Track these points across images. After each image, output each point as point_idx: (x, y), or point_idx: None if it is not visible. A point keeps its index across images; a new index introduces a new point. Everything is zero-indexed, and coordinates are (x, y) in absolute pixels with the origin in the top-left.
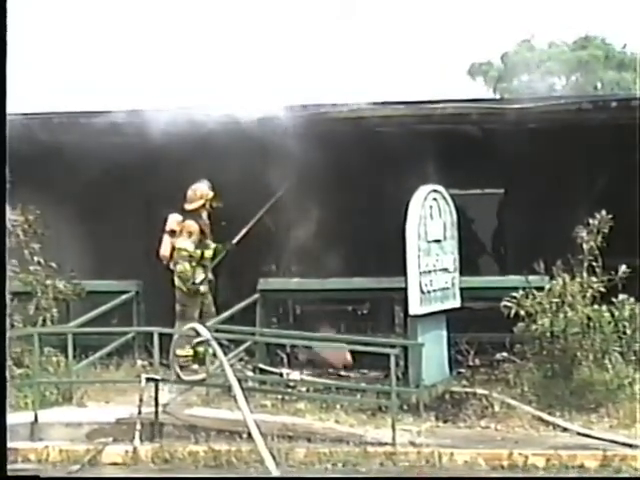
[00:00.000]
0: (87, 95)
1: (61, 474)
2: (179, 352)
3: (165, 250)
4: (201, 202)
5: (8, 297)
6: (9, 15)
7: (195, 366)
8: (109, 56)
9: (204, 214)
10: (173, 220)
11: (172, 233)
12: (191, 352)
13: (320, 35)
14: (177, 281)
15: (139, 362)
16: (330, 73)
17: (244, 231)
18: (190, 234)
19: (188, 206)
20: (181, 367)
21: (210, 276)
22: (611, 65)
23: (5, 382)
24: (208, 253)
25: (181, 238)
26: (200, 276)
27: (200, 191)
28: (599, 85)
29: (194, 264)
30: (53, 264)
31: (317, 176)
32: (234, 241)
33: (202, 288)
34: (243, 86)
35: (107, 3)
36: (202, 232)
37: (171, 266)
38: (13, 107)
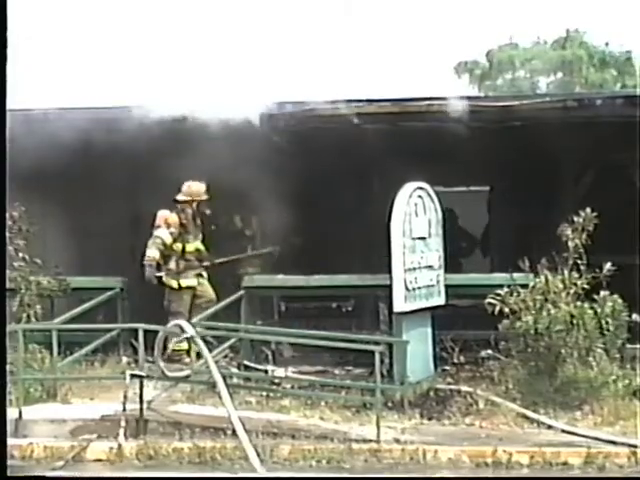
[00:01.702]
0: (73, 90)
1: (46, 471)
2: (173, 346)
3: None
4: (189, 198)
5: None
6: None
7: (188, 359)
8: (99, 52)
9: (189, 211)
10: (160, 216)
11: (157, 226)
12: (185, 346)
13: (305, 33)
14: (164, 275)
15: (124, 359)
16: (315, 71)
17: (226, 259)
18: (169, 225)
19: (178, 197)
20: (175, 360)
21: (202, 271)
22: (593, 64)
23: (5, 382)
24: (190, 247)
25: (160, 228)
26: (172, 264)
27: (193, 188)
28: (582, 83)
29: (173, 256)
30: (37, 260)
31: (301, 173)
32: (217, 261)
33: (186, 282)
34: (228, 84)
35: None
36: (182, 225)
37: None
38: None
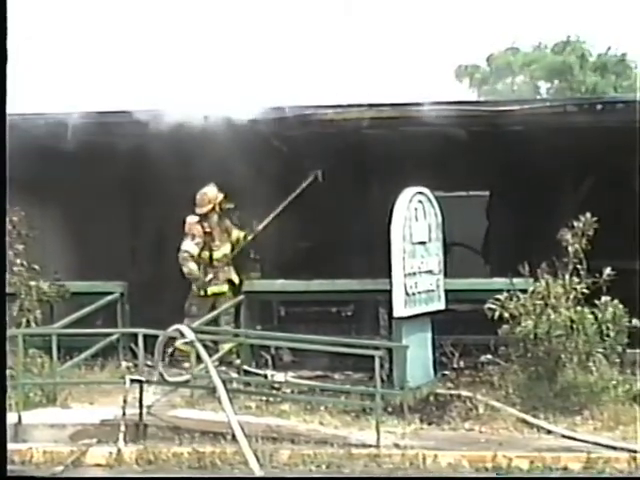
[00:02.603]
0: (77, 94)
1: (47, 475)
2: (179, 345)
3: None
4: (210, 206)
5: None
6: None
7: (187, 364)
8: (99, 55)
9: (214, 217)
10: (188, 222)
11: (186, 235)
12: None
13: (307, 37)
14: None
15: (123, 363)
16: (315, 75)
17: (268, 220)
18: (193, 236)
19: (198, 210)
20: (179, 360)
21: (233, 277)
22: (592, 68)
23: (5, 382)
24: (218, 255)
25: (185, 240)
26: (208, 276)
27: (208, 195)
28: (582, 89)
29: (201, 265)
30: (35, 266)
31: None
32: (259, 228)
33: (215, 288)
34: (227, 89)
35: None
36: (208, 234)
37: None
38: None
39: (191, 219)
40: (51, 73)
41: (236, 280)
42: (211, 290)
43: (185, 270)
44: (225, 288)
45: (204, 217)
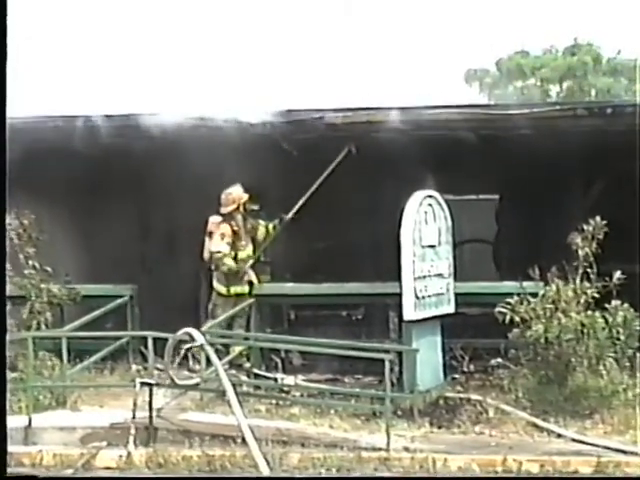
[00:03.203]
0: (78, 97)
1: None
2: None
3: (205, 252)
4: (234, 206)
5: None
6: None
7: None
8: (97, 58)
9: (239, 217)
10: (211, 222)
11: (210, 235)
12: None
13: (316, 39)
14: (215, 282)
15: (133, 366)
16: (325, 78)
17: (299, 205)
18: (223, 236)
19: (223, 210)
20: (196, 359)
21: (253, 278)
22: (603, 72)
23: (5, 382)
24: (242, 255)
25: (215, 241)
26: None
27: (233, 195)
28: (592, 92)
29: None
30: (48, 268)
31: (309, 181)
32: (289, 216)
33: (239, 289)
34: (236, 92)
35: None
36: (235, 234)
37: (212, 268)
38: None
39: (214, 219)
40: (61, 78)
41: (256, 281)
42: (234, 290)
43: (224, 269)
44: (247, 289)
45: (228, 217)
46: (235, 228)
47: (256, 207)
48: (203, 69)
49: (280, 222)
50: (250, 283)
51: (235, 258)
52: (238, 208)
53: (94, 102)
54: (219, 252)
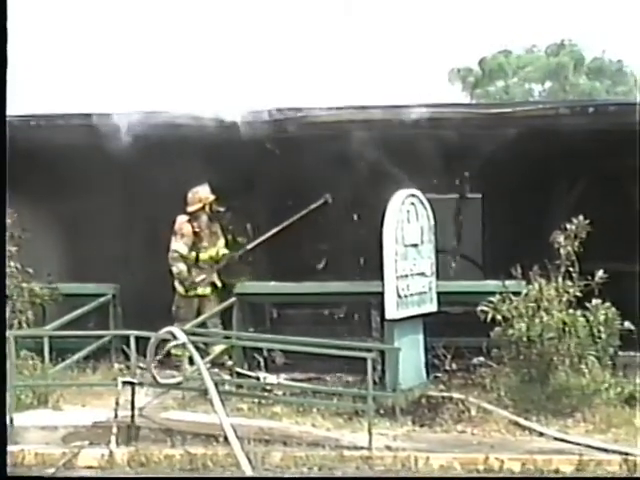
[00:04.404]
0: (63, 96)
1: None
2: (174, 351)
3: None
4: (199, 205)
5: None
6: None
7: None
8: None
9: (203, 217)
10: (178, 221)
11: (175, 234)
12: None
13: (300, 38)
14: (176, 282)
15: (116, 365)
16: (307, 78)
17: (251, 246)
18: (182, 236)
19: (188, 208)
20: (174, 366)
21: (216, 280)
22: (586, 72)
23: (5, 382)
24: (204, 256)
25: (174, 240)
26: (199, 277)
27: (200, 194)
28: (573, 91)
29: (190, 265)
30: (30, 269)
31: (294, 179)
32: (238, 254)
33: (199, 290)
34: (214, 91)
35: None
36: (196, 234)
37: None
38: None
39: (181, 218)
40: (43, 75)
41: (219, 283)
42: (195, 292)
43: (175, 270)
44: (208, 291)
45: (193, 216)
46: (197, 229)
47: (222, 209)
48: (185, 67)
49: (228, 256)
50: (213, 284)
51: (197, 259)
52: (204, 208)
53: (72, 100)
54: (175, 252)
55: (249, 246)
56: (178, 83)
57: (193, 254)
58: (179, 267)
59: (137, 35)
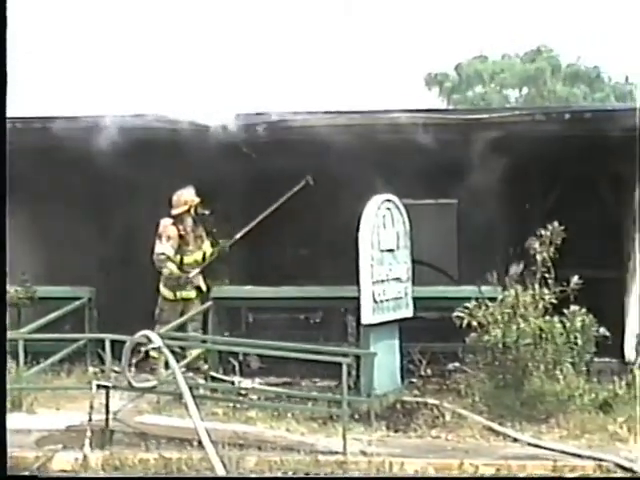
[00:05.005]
0: (39, 98)
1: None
2: (152, 353)
3: (153, 255)
4: (185, 208)
5: None
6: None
7: (162, 370)
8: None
9: (188, 220)
10: (162, 224)
11: (160, 237)
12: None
13: (278, 42)
14: (161, 285)
15: (90, 369)
16: (286, 82)
17: (239, 235)
18: (168, 238)
19: (173, 211)
20: (151, 369)
21: (201, 284)
22: (562, 78)
23: (5, 382)
24: (188, 259)
25: (159, 243)
26: (191, 273)
27: (184, 197)
28: (550, 97)
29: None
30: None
31: (271, 184)
32: (228, 244)
33: (184, 294)
34: (192, 96)
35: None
36: (181, 237)
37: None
38: None
39: (165, 221)
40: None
41: (204, 287)
42: (180, 295)
43: (165, 272)
44: (193, 294)
45: (178, 219)
46: (182, 232)
47: (207, 212)
48: (165, 71)
49: (218, 249)
50: (198, 288)
51: (181, 262)
52: (189, 211)
53: (56, 103)
54: (162, 254)
55: (238, 235)
56: (156, 87)
57: (178, 257)
58: (169, 268)
59: (113, 38)
